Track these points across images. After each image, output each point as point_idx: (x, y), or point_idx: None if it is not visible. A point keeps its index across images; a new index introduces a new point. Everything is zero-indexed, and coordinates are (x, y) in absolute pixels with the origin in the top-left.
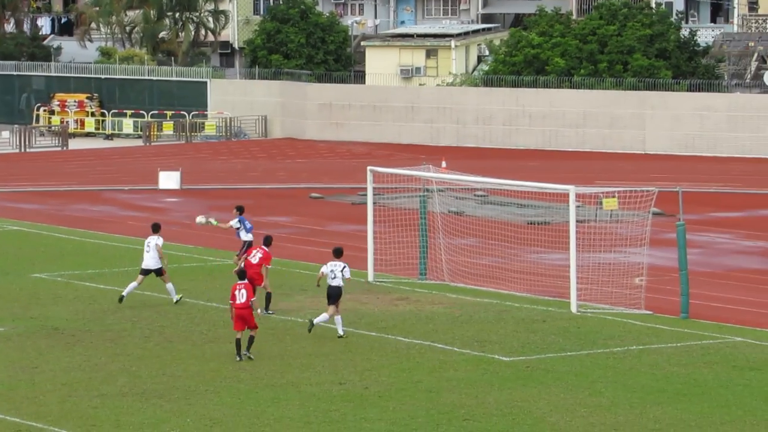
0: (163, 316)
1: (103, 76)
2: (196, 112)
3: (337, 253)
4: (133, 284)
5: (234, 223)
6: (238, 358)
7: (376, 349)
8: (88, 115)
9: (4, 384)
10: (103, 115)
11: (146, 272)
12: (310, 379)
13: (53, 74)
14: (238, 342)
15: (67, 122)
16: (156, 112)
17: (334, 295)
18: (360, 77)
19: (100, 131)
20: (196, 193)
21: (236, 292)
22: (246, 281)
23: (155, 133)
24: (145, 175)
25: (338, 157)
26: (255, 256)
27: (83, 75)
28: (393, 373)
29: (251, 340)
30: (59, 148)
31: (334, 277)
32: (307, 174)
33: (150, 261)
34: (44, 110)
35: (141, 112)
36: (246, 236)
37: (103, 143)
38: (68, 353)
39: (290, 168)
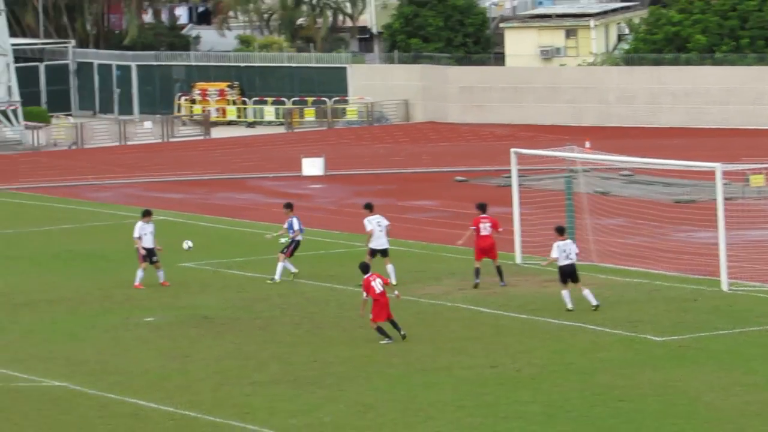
0: (312, 302)
1: (242, 64)
2: (337, 98)
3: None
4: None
5: (287, 225)
6: (389, 340)
7: (527, 331)
8: (229, 104)
9: (157, 373)
10: (244, 103)
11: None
12: (463, 363)
13: (193, 63)
14: (380, 328)
15: (208, 111)
16: (297, 98)
17: (570, 273)
18: (500, 59)
19: (242, 119)
20: (340, 178)
21: (373, 284)
22: (377, 273)
23: (297, 119)
24: (289, 161)
25: (481, 139)
26: (486, 228)
27: (223, 63)
28: (545, 355)
29: (396, 323)
30: (201, 137)
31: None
32: (451, 157)
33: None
34: (185, 99)
35: (282, 99)
36: (294, 235)
37: (245, 131)
38: (219, 342)
39: (433, 152)
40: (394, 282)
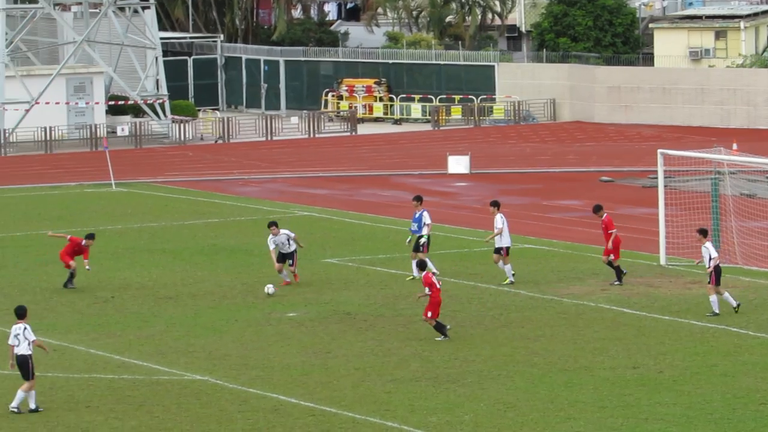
0: (454, 300)
1: (390, 61)
2: (484, 96)
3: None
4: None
5: (417, 217)
6: (446, 337)
7: (670, 333)
8: (376, 100)
9: (298, 369)
10: (391, 100)
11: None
12: (604, 363)
13: (341, 59)
14: (439, 324)
15: (355, 107)
16: (444, 96)
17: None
18: (648, 59)
19: (389, 116)
20: (486, 177)
21: (434, 279)
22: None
23: (443, 117)
24: (434, 159)
25: (627, 140)
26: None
27: (371, 60)
28: (687, 357)
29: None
30: (348, 133)
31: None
32: (597, 157)
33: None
34: (332, 96)
35: (429, 96)
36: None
37: (392, 128)
38: (360, 338)
39: (579, 151)
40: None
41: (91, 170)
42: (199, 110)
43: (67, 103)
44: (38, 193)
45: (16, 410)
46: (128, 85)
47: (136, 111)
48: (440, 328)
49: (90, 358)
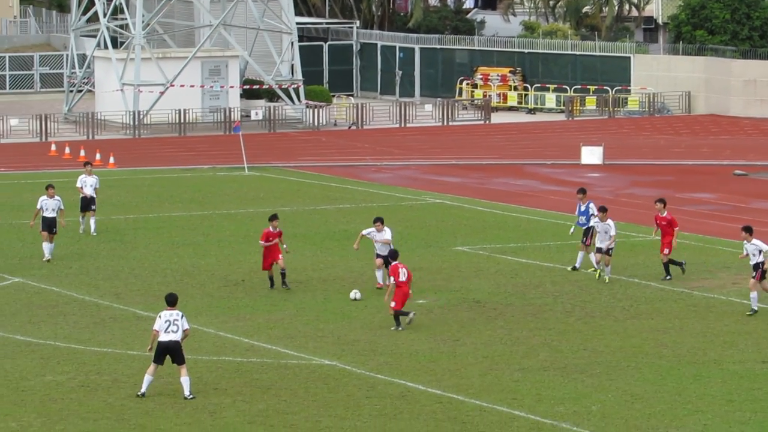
0: (585, 290)
1: (526, 51)
2: (619, 87)
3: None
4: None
5: (582, 210)
6: (399, 327)
7: None
8: (510, 89)
9: (426, 356)
10: (525, 89)
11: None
12: (733, 357)
13: (476, 48)
14: (397, 316)
15: (489, 96)
16: (578, 86)
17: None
18: None
19: (523, 105)
20: (619, 168)
21: (400, 270)
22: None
23: (578, 107)
24: (567, 149)
25: (763, 134)
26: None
27: (506, 49)
28: None
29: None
30: (481, 122)
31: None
32: (731, 151)
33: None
34: (467, 84)
35: (563, 86)
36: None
37: (525, 117)
38: (490, 326)
39: (714, 144)
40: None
41: (225, 153)
42: (333, 96)
43: (202, 86)
44: (171, 175)
45: (192, 397)
46: (263, 69)
47: (270, 95)
48: (397, 319)
49: (219, 341)
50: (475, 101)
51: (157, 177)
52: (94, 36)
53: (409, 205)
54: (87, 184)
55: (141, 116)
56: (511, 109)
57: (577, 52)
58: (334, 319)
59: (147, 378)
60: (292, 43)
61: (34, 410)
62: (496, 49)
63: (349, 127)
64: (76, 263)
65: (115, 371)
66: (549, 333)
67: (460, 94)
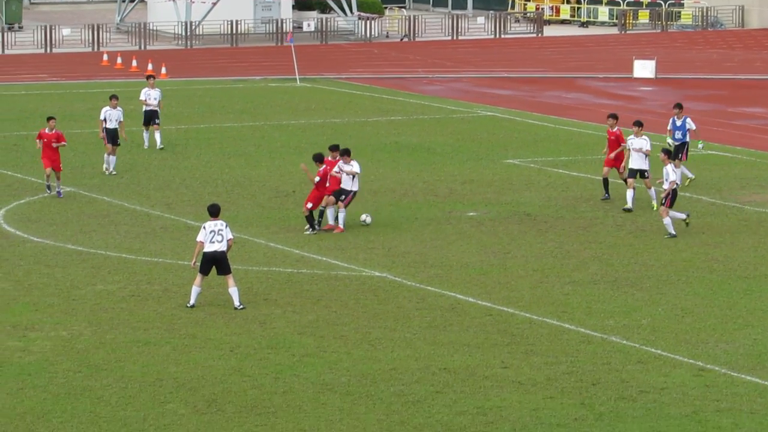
0: (636, 203)
1: None
2: (672, 1)
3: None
4: None
5: (677, 125)
6: (312, 231)
7: None
8: (563, 2)
9: (476, 268)
10: (578, 2)
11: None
12: None
13: None
14: (310, 216)
15: (542, 9)
16: (632, 0)
17: None
18: None
19: (575, 18)
20: (671, 82)
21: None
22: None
23: (630, 21)
24: (620, 63)
25: None
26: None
27: None
28: None
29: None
30: (533, 35)
31: None
32: None
33: None
34: None
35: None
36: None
37: (578, 30)
38: (540, 239)
39: (767, 59)
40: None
41: (276, 65)
42: (385, 8)
43: None
44: (223, 86)
45: (242, 307)
46: None
47: (322, 7)
48: (310, 221)
49: (269, 252)
50: (528, 14)
51: (208, 88)
52: None
53: (461, 118)
54: (151, 97)
55: (193, 27)
56: (563, 22)
57: None
58: (385, 231)
59: (195, 289)
60: None
61: (84, 319)
62: None
63: (401, 39)
64: (127, 174)
65: (165, 281)
66: (600, 246)
67: (513, 6)
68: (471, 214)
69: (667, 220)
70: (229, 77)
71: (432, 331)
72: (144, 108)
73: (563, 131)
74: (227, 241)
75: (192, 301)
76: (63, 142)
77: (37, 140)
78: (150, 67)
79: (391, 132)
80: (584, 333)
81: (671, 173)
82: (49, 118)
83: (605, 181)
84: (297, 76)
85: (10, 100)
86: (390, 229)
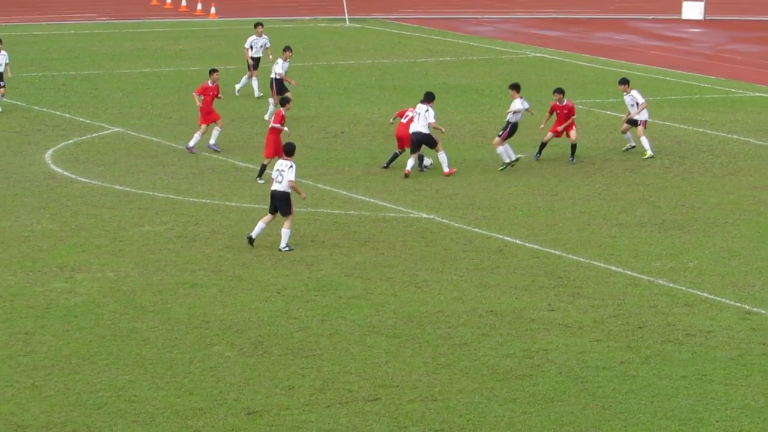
0: (683, 146)
1: None
2: None
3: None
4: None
5: None
6: (261, 181)
7: None
8: None
9: (524, 210)
10: None
11: None
12: None
13: None
14: (263, 167)
15: None
16: None
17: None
18: None
19: None
20: (720, 23)
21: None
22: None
23: None
24: (669, 4)
25: None
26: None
27: None
28: None
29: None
30: None
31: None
32: None
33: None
34: None
35: None
36: None
37: None
38: (588, 181)
39: None
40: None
41: (326, 4)
42: None
43: None
44: (272, 26)
45: (287, 249)
46: None
47: None
48: (261, 170)
49: (317, 193)
50: None
51: None
52: None
53: (509, 59)
54: (258, 44)
55: None
56: None
57: None
58: (432, 173)
59: (259, 225)
60: None
61: (131, 260)
62: None
63: None
64: (176, 113)
65: (213, 222)
66: (647, 189)
67: None
68: (519, 155)
69: (499, 149)
70: (278, 17)
71: (479, 273)
72: (250, 55)
73: (611, 72)
74: (288, 182)
75: (253, 234)
76: (219, 96)
77: (197, 95)
78: (200, 7)
79: (440, 73)
80: (631, 276)
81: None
82: (213, 71)
83: (543, 145)
84: (346, 17)
85: (59, 39)
86: (438, 171)
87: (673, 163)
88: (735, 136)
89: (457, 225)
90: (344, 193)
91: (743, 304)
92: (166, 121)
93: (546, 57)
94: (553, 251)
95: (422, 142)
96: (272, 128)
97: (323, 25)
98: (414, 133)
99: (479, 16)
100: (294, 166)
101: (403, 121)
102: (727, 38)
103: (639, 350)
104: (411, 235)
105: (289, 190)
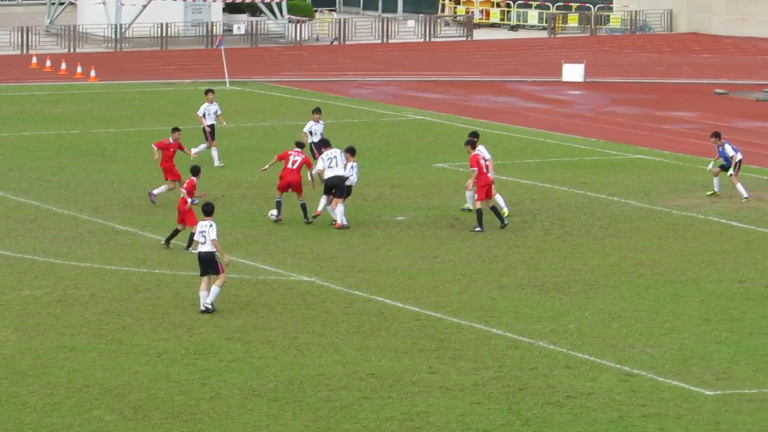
0: (563, 209)
1: None
2: (602, 5)
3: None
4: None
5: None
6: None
7: None
8: (493, 6)
9: (405, 273)
10: (508, 6)
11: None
12: (711, 276)
13: None
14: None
15: (472, 12)
16: (561, 3)
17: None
18: None
19: (505, 22)
20: (600, 86)
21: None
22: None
23: (560, 24)
24: (549, 67)
25: (743, 53)
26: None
27: None
28: None
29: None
30: (463, 38)
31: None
32: (712, 69)
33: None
34: (450, 0)
35: (546, 3)
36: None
37: (507, 34)
38: (468, 244)
39: (695, 63)
40: None
41: (206, 68)
42: (315, 11)
43: (185, 0)
44: (152, 89)
45: (211, 307)
46: None
47: (253, 9)
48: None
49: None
50: (458, 17)
51: (138, 91)
52: None
53: (390, 121)
54: (210, 111)
55: (123, 29)
56: (493, 25)
57: None
58: (313, 235)
59: (202, 294)
60: None
61: (11, 324)
62: None
63: (331, 43)
64: (55, 177)
65: (92, 286)
66: (528, 251)
67: (443, 10)
68: (400, 218)
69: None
70: (158, 80)
71: (359, 336)
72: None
73: (492, 135)
74: (210, 241)
75: (201, 306)
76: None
77: (156, 148)
78: (79, 69)
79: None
80: (512, 338)
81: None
82: (175, 129)
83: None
84: (227, 79)
85: None
86: (318, 234)
87: (553, 225)
88: (615, 198)
89: (337, 288)
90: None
91: (623, 365)
92: (45, 185)
93: (426, 119)
94: (433, 314)
95: (339, 186)
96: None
97: (204, 87)
98: (338, 177)
99: (360, 79)
100: (215, 225)
101: (290, 166)
102: (607, 100)
103: (520, 412)
104: (291, 298)
105: (214, 250)
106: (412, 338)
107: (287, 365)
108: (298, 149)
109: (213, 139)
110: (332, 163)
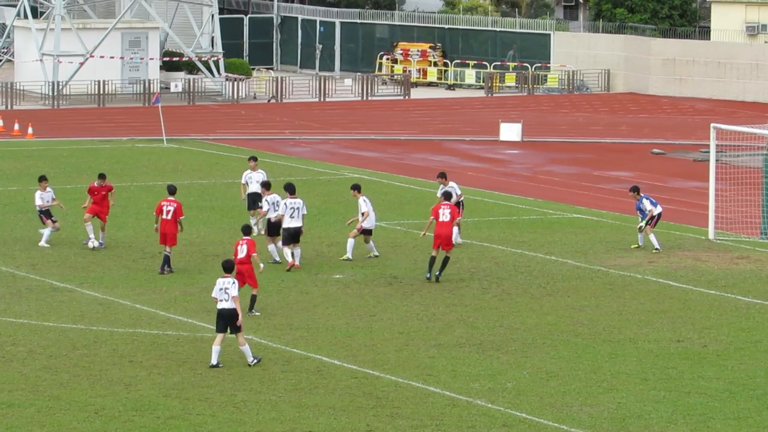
0: (501, 268)
1: (446, 26)
2: (539, 65)
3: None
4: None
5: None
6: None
7: (716, 307)
8: (430, 65)
9: (342, 331)
10: (445, 65)
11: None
12: (648, 336)
13: (397, 23)
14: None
15: (409, 71)
16: (498, 63)
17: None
18: (704, 33)
19: (442, 81)
20: (537, 145)
21: (238, 248)
22: (249, 237)
23: (497, 84)
24: (486, 126)
25: (681, 113)
26: (446, 215)
27: (426, 24)
28: (732, 333)
29: (253, 298)
30: (401, 97)
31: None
32: (650, 129)
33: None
34: (387, 59)
35: (483, 62)
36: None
37: (445, 93)
38: (406, 302)
39: (632, 123)
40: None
41: (144, 125)
42: (253, 69)
43: (122, 58)
44: (90, 146)
45: (255, 360)
46: (183, 41)
47: (190, 68)
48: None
49: (135, 313)
50: (395, 76)
51: (75, 148)
52: (14, 5)
53: (328, 180)
54: (253, 179)
55: (60, 87)
56: (430, 84)
57: (498, 29)
58: (249, 294)
59: (215, 349)
60: (212, 16)
61: None
62: (416, 24)
63: (269, 101)
64: None
65: (30, 342)
66: (465, 309)
67: (380, 69)
68: (337, 276)
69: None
70: (96, 137)
71: (297, 393)
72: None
73: (430, 194)
74: (232, 299)
75: (213, 361)
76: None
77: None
78: (17, 126)
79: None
80: (449, 396)
81: None
82: (101, 175)
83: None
84: (164, 137)
85: None
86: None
87: (491, 284)
88: (553, 257)
89: (275, 345)
90: (162, 313)
91: (561, 424)
92: None
93: (364, 177)
94: (371, 371)
95: (297, 236)
96: None
97: (141, 145)
98: (297, 228)
99: (297, 137)
100: (237, 282)
101: (166, 217)
102: (544, 159)
103: None
104: (229, 355)
105: (234, 307)
106: (349, 396)
107: (225, 422)
108: (171, 198)
109: (255, 208)
110: (294, 214)
